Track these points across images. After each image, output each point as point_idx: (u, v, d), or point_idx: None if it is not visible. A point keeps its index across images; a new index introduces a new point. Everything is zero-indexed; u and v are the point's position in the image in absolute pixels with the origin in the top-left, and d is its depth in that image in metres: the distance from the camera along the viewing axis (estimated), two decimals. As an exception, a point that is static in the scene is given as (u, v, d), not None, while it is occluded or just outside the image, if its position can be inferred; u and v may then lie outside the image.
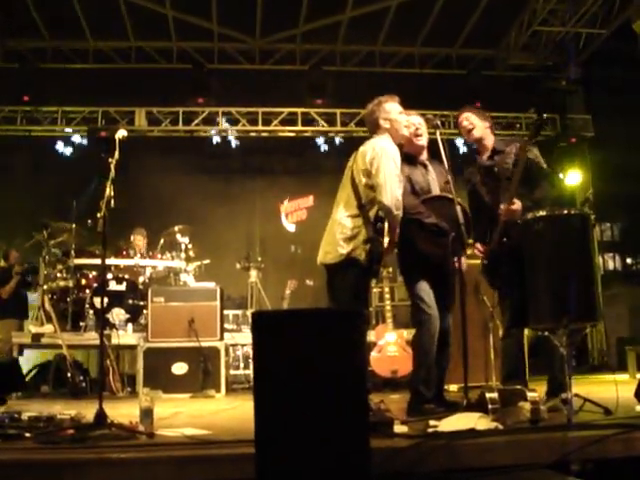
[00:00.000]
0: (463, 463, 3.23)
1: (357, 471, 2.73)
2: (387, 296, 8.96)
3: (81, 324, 8.94)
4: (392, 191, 4.76)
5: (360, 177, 4.90)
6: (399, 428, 3.67)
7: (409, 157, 5.21)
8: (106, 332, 8.20)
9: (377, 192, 4.78)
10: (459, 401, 4.84)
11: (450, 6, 11.38)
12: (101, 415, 3.98)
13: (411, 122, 5.18)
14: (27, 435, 3.77)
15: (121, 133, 4.90)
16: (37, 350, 9.03)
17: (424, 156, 5.30)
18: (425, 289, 4.98)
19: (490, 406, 3.90)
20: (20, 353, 8.56)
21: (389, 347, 8.33)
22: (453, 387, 7.01)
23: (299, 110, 12.87)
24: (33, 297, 9.92)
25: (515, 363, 5.06)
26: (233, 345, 9.51)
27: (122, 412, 4.82)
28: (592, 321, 4.20)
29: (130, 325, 8.95)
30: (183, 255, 9.97)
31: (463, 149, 12.47)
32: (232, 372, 9.36)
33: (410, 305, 5.17)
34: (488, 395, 3.96)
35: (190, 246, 10.06)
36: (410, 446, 3.22)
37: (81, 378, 8.01)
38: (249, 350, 9.42)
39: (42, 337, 8.37)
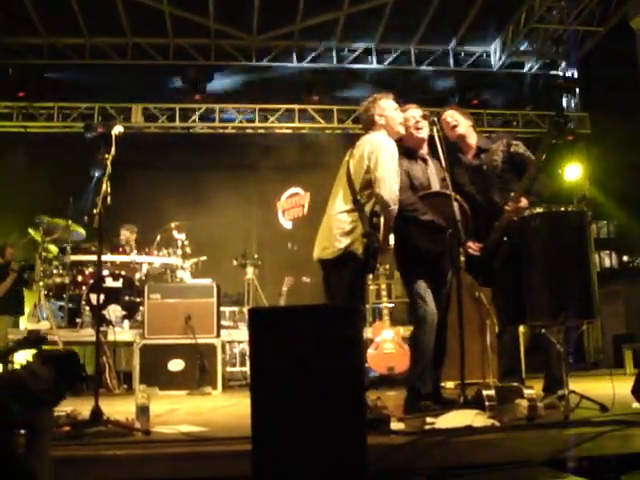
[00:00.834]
0: (460, 460, 3.23)
1: (354, 468, 2.73)
2: (384, 293, 8.97)
3: (77, 321, 8.93)
4: (390, 185, 4.76)
5: (357, 172, 4.90)
6: (396, 425, 3.67)
7: (409, 151, 5.18)
8: (102, 329, 8.18)
9: (376, 186, 4.77)
10: (456, 398, 4.84)
11: (447, 3, 11.39)
12: (97, 412, 3.97)
13: (411, 115, 5.16)
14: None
15: (117, 129, 4.91)
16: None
17: (424, 150, 5.25)
18: (423, 286, 4.96)
19: (487, 403, 3.90)
20: (15, 350, 8.54)
21: (386, 344, 8.32)
22: (450, 384, 7.00)
23: (296, 107, 12.86)
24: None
25: (511, 360, 5.07)
26: (230, 342, 9.49)
27: (118, 409, 4.82)
28: (589, 318, 4.21)
29: (126, 322, 8.94)
30: (180, 252, 9.96)
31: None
32: (229, 369, 9.35)
33: (407, 302, 5.18)
34: (485, 392, 3.97)
35: (187, 243, 10.05)
36: (407, 443, 3.22)
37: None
38: (246, 347, 9.41)
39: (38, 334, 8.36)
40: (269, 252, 12.19)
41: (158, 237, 10.15)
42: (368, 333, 8.49)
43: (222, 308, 9.35)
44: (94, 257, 9.28)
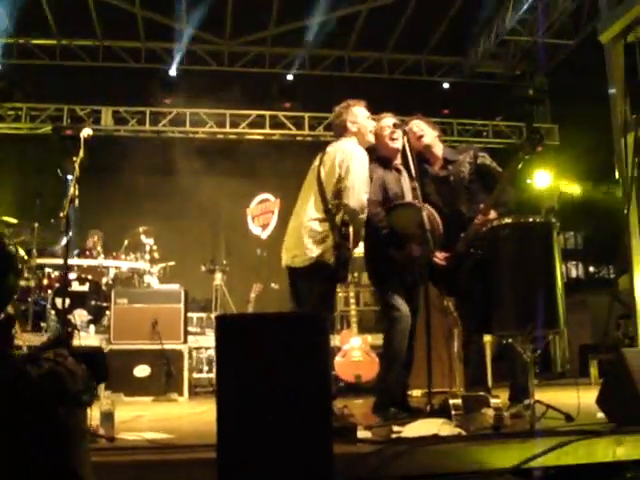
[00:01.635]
0: (426, 469, 3.22)
1: (320, 477, 2.72)
2: (352, 301, 8.95)
3: (42, 325, 8.82)
4: (359, 194, 4.77)
5: (329, 180, 4.90)
6: (362, 434, 3.66)
7: (384, 161, 5.21)
8: (68, 333, 8.09)
9: (344, 195, 4.78)
10: (422, 407, 4.85)
11: (420, 13, 11.44)
12: (61, 418, 3.91)
13: (386, 124, 5.17)
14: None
15: (86, 132, 4.88)
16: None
17: (398, 160, 5.27)
18: (394, 292, 4.99)
19: (453, 412, 3.91)
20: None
21: (353, 352, 8.31)
22: (417, 393, 7.00)
23: (267, 113, 12.86)
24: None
25: (478, 369, 5.09)
26: (197, 348, 9.43)
27: (82, 415, 4.75)
28: (555, 329, 4.22)
29: (92, 327, 8.85)
30: (147, 256, 9.88)
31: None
32: (195, 375, 9.29)
33: (376, 310, 5.19)
34: (451, 401, 3.98)
35: (155, 247, 9.99)
36: (373, 452, 3.21)
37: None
38: (213, 353, 9.35)
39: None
40: (238, 258, 12.15)
41: (126, 241, 10.07)
42: (336, 341, 8.48)
43: (190, 314, 9.29)
44: (60, 260, 9.18)
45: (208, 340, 9.41)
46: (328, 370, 3.01)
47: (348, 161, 4.83)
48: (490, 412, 3.87)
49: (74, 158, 4.74)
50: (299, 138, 13.08)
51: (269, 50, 12.92)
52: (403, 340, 4.93)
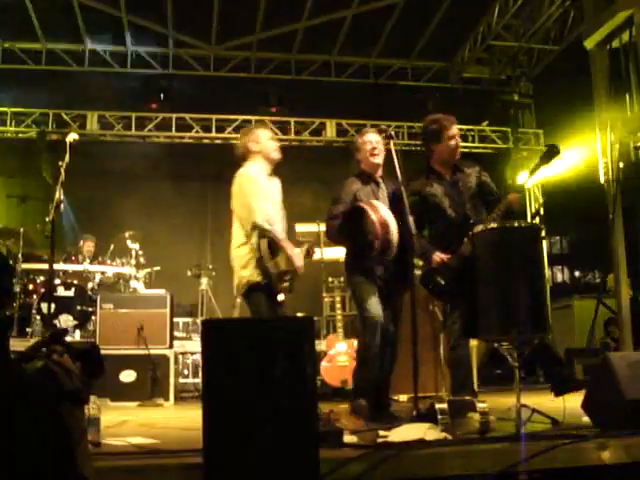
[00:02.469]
0: (412, 473, 3.22)
1: (306, 482, 2.71)
2: (338, 306, 8.97)
3: (27, 330, 8.78)
4: (260, 209, 5.04)
5: (236, 207, 5.26)
6: (348, 438, 3.66)
7: (364, 175, 5.33)
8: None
9: (247, 215, 5.07)
10: (409, 411, 4.85)
11: (405, 18, 11.45)
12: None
13: (368, 140, 5.28)
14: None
15: (72, 137, 4.87)
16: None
17: (379, 173, 5.40)
18: (370, 297, 5.06)
19: (440, 417, 3.91)
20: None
21: (339, 357, 8.32)
22: (403, 397, 7.01)
23: (253, 118, 12.83)
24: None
25: (464, 374, 5.10)
26: (183, 353, 9.42)
27: (67, 420, 4.73)
28: (541, 333, 4.23)
29: (78, 332, 8.83)
30: (133, 261, 9.87)
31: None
32: (181, 380, 9.27)
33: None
34: (438, 406, 3.99)
35: (141, 252, 9.97)
36: (359, 456, 3.21)
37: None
38: (199, 358, 9.34)
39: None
40: (223, 263, 12.10)
41: (112, 246, 10.06)
42: (322, 346, 8.48)
43: (175, 319, 9.28)
44: (46, 265, 9.14)
45: (194, 345, 9.41)
46: (314, 375, 3.01)
47: (238, 186, 5.20)
48: (476, 416, 3.88)
49: (60, 163, 4.72)
50: (285, 143, 13.06)
51: (255, 55, 12.89)
52: (374, 341, 5.00)
